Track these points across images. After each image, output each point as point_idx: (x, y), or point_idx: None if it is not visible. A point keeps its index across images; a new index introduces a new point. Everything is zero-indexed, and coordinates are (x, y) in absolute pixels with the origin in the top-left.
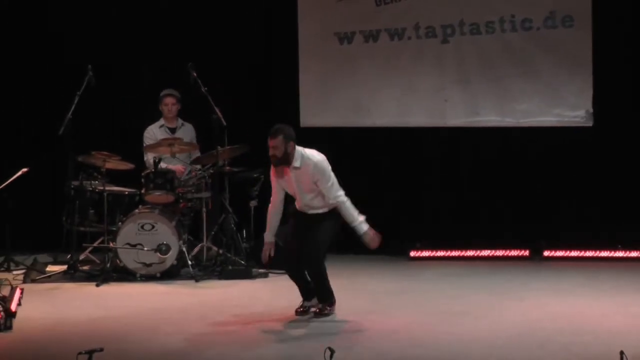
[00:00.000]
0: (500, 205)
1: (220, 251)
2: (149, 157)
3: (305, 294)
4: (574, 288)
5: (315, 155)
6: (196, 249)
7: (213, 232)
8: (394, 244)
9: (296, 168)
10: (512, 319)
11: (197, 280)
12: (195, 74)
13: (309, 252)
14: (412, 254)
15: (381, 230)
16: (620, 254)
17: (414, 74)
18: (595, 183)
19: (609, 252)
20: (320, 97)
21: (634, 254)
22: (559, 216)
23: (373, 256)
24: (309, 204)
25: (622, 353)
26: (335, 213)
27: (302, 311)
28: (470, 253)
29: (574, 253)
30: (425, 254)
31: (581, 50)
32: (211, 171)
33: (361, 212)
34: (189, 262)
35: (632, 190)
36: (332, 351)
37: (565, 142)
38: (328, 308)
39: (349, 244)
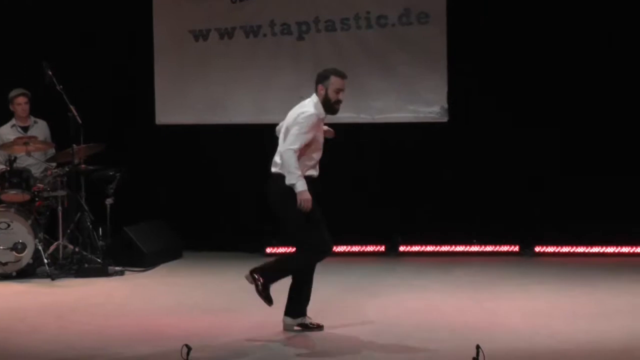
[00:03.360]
0: (356, 200)
1: (77, 249)
2: None
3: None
4: (430, 283)
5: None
6: (52, 248)
7: (69, 231)
8: (251, 241)
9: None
10: (368, 316)
11: (53, 279)
12: (50, 72)
13: None
14: (269, 250)
15: (238, 228)
16: (475, 248)
17: (270, 71)
18: (450, 178)
19: (464, 247)
20: (175, 94)
21: (488, 248)
22: (415, 211)
23: (229, 253)
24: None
25: (478, 347)
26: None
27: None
28: None
29: (430, 248)
30: (283, 250)
31: (436, 46)
32: (67, 169)
33: (215, 211)
34: (45, 261)
35: (486, 185)
36: (189, 348)
37: (420, 137)
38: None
39: (206, 241)
